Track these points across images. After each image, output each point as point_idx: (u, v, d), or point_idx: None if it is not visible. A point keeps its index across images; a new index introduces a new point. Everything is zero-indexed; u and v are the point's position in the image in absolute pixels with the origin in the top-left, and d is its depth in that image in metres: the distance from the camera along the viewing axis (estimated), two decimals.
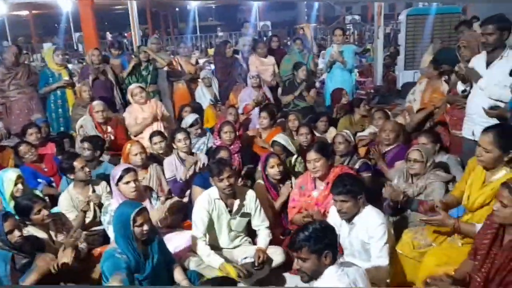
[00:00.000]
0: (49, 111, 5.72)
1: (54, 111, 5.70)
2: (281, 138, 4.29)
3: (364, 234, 2.73)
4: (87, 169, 3.69)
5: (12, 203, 3.26)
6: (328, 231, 2.22)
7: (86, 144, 4.23)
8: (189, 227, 3.54)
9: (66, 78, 5.71)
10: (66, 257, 2.66)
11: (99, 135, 4.68)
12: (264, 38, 12.43)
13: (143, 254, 2.70)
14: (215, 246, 3.27)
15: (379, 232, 2.68)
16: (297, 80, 5.67)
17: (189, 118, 4.83)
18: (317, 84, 7.95)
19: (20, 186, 3.48)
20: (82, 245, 3.09)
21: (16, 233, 2.59)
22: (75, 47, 17.33)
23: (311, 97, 5.69)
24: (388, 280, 2.75)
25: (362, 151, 4.66)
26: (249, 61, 6.44)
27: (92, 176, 3.81)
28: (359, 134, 4.89)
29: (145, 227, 2.64)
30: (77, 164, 3.63)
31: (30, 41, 17.50)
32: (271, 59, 6.44)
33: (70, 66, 7.68)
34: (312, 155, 3.38)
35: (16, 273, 2.58)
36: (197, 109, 5.79)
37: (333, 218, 2.87)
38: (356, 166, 3.95)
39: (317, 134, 4.82)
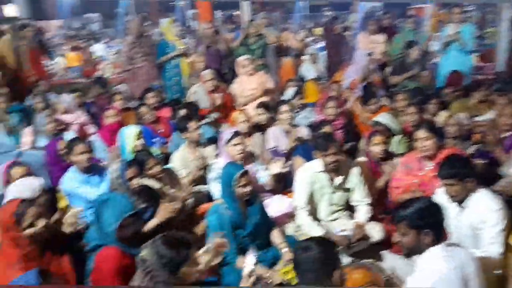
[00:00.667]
0: (165, 78, 6.16)
1: (169, 79, 6.13)
2: (383, 117, 4.17)
3: (476, 218, 2.55)
4: (198, 131, 3.94)
5: (130, 157, 3.63)
6: (433, 209, 2.11)
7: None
8: (290, 196, 3.63)
9: (181, 47, 6.09)
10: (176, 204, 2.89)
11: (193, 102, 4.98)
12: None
13: (244, 213, 2.86)
14: (313, 218, 3.32)
15: (494, 217, 2.49)
16: (409, 60, 5.42)
17: (292, 91, 4.94)
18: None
19: (140, 141, 3.85)
20: (190, 200, 3.33)
21: (136, 181, 2.88)
22: (188, 24, 18.27)
23: (426, 78, 5.42)
24: (498, 271, 2.57)
25: (477, 137, 4.35)
26: (358, 38, 6.29)
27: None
28: (475, 118, 4.57)
29: (247, 189, 2.78)
30: (191, 125, 3.90)
31: (150, 18, 18.77)
32: (381, 37, 6.22)
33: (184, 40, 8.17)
34: (421, 133, 3.25)
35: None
36: (300, 84, 5.85)
37: (439, 199, 2.75)
38: (470, 151, 3.70)
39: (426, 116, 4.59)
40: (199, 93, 5.09)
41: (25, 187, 2.71)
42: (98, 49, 11.66)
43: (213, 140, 4.23)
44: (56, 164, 3.75)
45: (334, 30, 6.25)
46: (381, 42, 6.22)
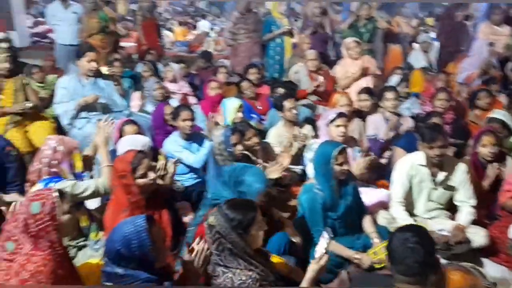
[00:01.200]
0: (268, 56, 6.19)
1: (271, 57, 6.15)
2: (500, 114, 3.80)
3: None
4: (294, 111, 3.91)
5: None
6: None
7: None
8: (383, 187, 3.48)
9: (287, 26, 6.07)
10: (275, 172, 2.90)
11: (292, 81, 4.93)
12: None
13: (337, 194, 2.77)
14: (409, 213, 3.15)
15: None
16: None
17: (397, 78, 4.71)
18: None
19: (240, 114, 3.94)
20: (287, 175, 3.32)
21: (239, 147, 2.94)
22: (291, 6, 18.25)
23: None
24: None
25: None
26: (479, 28, 5.77)
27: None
28: None
29: (345, 167, 2.69)
30: (287, 104, 3.89)
31: None
32: (507, 28, 5.64)
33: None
34: None
35: None
36: (407, 72, 5.55)
37: None
38: None
39: None
40: (301, 73, 5.05)
41: (137, 142, 2.91)
42: (203, 25, 12.11)
43: (310, 121, 4.19)
44: (161, 127, 3.98)
45: (454, 17, 5.77)
46: (506, 34, 5.64)
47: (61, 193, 1.99)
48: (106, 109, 3.95)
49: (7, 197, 3.29)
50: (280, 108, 3.96)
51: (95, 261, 2.56)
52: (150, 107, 4.63)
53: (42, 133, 3.99)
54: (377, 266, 2.61)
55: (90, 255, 2.76)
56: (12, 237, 1.88)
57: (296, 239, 2.68)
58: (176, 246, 2.59)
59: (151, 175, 2.46)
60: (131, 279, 1.78)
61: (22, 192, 3.44)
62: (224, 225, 1.92)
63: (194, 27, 11.10)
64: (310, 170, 3.38)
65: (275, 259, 2.33)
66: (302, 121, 4.15)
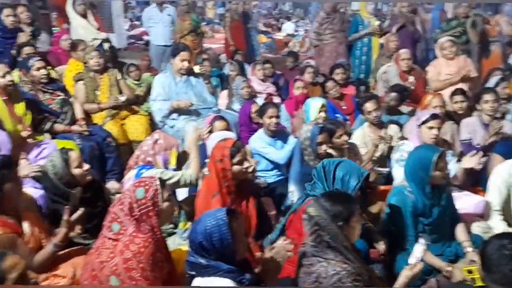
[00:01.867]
0: (354, 57, 6.08)
1: (358, 57, 6.04)
2: None
3: None
4: (375, 113, 3.79)
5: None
6: None
7: None
8: (478, 193, 3.27)
9: (376, 23, 5.91)
10: None
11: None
12: None
13: (430, 200, 2.65)
14: (507, 223, 2.91)
15: None
16: None
17: (495, 79, 4.38)
18: None
19: (323, 114, 3.91)
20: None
21: (324, 146, 2.93)
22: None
23: None
24: None
25: None
26: None
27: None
28: None
29: (444, 172, 2.57)
30: (368, 105, 3.79)
31: None
32: None
33: None
34: None
35: None
36: (508, 74, 5.12)
37: None
38: None
39: None
40: (390, 73, 4.88)
41: (228, 136, 3.02)
42: (288, 27, 12.22)
43: (395, 122, 4.05)
44: (246, 125, 4.08)
45: None
46: None
47: (162, 182, 2.13)
48: (197, 113, 4.14)
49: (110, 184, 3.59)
50: (362, 110, 3.90)
51: (184, 249, 2.70)
52: (236, 106, 4.76)
53: (137, 127, 4.29)
54: (468, 284, 2.45)
55: (178, 243, 2.92)
56: (118, 219, 2.04)
57: (380, 247, 2.60)
58: (260, 237, 2.64)
59: (246, 163, 2.58)
60: (213, 270, 1.84)
61: (119, 180, 3.74)
62: (323, 216, 1.91)
63: (279, 29, 11.23)
64: (397, 172, 3.26)
65: None
66: (388, 123, 4.02)
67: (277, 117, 3.65)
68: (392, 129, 3.87)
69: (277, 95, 5.60)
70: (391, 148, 3.63)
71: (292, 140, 3.64)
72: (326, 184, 2.47)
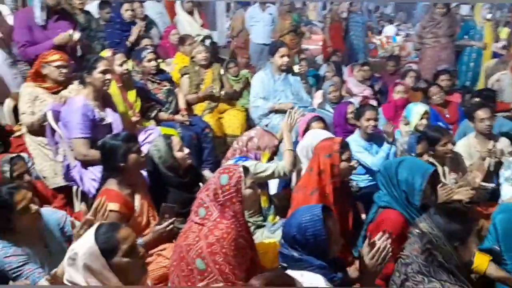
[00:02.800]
0: (461, 63, 5.72)
1: (465, 64, 5.67)
2: None
3: None
4: (488, 122, 3.50)
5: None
6: None
7: None
8: None
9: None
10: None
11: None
12: None
13: None
14: None
15: None
16: None
17: None
18: None
19: (424, 121, 3.72)
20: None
21: (425, 156, 2.81)
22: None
23: None
24: None
25: None
26: None
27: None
28: None
29: None
30: (480, 113, 3.52)
31: None
32: None
33: None
34: None
35: None
36: None
37: None
38: None
39: None
40: (504, 81, 4.50)
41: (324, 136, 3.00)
42: (389, 30, 11.80)
43: (507, 135, 3.72)
44: (341, 126, 4.02)
45: None
46: None
47: (246, 169, 2.18)
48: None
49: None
50: (471, 118, 3.62)
51: (272, 241, 2.73)
52: (328, 107, 4.72)
53: (234, 122, 4.43)
54: None
55: (266, 236, 2.95)
56: (204, 205, 2.12)
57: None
58: (354, 240, 2.59)
59: (351, 162, 2.59)
60: (305, 264, 1.83)
61: (213, 170, 3.89)
62: (438, 235, 1.80)
63: (380, 33, 10.90)
64: (506, 189, 3.00)
65: None
66: (499, 135, 3.71)
67: (375, 119, 3.55)
68: (503, 143, 3.56)
69: (373, 98, 5.45)
70: (498, 163, 3.35)
71: (386, 146, 3.51)
72: (391, 189, 2.36)
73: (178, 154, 2.81)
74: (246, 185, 2.12)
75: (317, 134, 3.00)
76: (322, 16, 10.83)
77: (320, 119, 3.45)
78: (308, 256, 1.84)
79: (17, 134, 3.42)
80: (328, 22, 7.26)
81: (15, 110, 3.50)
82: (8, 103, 3.56)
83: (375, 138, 3.64)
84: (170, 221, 2.48)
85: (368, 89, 5.46)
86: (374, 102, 5.29)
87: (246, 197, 2.13)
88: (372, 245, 1.93)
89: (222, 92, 4.42)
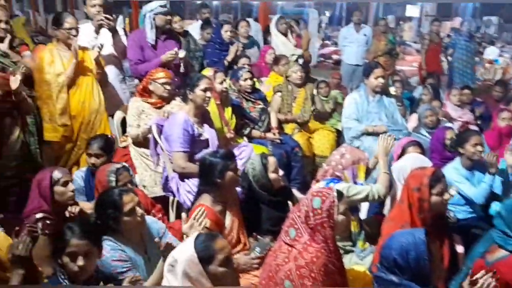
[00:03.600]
0: None
1: None
2: None
3: None
4: None
5: None
6: None
7: None
8: None
9: None
10: None
11: None
12: None
13: None
14: None
15: None
16: None
17: None
18: None
19: None
20: None
21: None
22: None
23: None
24: None
25: None
26: None
27: None
28: None
29: None
30: None
31: None
32: None
33: None
34: None
35: None
36: None
37: None
38: None
39: None
40: None
41: (425, 162, 2.87)
42: (491, 52, 11.09)
43: None
44: (439, 152, 3.80)
45: None
46: None
47: (339, 194, 2.14)
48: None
49: None
50: None
51: (362, 269, 2.65)
52: (423, 131, 4.50)
53: (323, 142, 4.43)
54: None
55: (355, 262, 2.87)
56: (295, 225, 2.11)
57: None
58: (449, 274, 2.42)
59: (446, 195, 2.40)
60: None
61: (300, 189, 3.89)
62: None
63: (480, 53, 10.29)
64: None
65: None
66: None
67: (482, 145, 3.31)
68: None
69: (474, 124, 5.12)
70: None
71: (489, 177, 3.25)
72: None
73: (272, 176, 2.85)
74: (339, 211, 2.08)
75: (414, 158, 2.88)
76: (419, 36, 10.50)
77: (417, 144, 3.31)
78: (408, 281, 1.76)
79: (123, 144, 3.72)
80: (426, 43, 6.99)
81: (123, 121, 3.81)
82: (118, 115, 3.89)
83: (477, 167, 3.39)
84: (259, 255, 2.52)
85: (469, 114, 5.13)
86: (475, 128, 4.98)
87: (339, 223, 2.09)
88: (473, 282, 1.81)
89: (305, 114, 4.42)
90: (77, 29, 3.49)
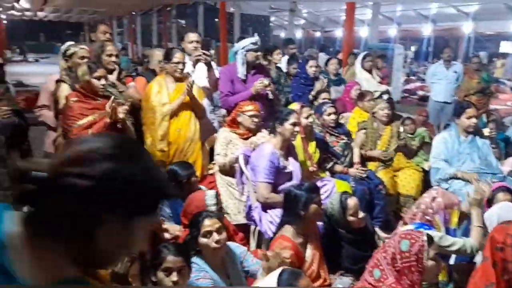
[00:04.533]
0: None
1: None
2: None
3: None
4: None
5: None
6: None
7: None
8: None
9: None
10: None
11: None
12: None
13: None
14: None
15: None
16: None
17: None
18: None
19: None
20: None
21: None
22: None
23: None
24: None
25: None
26: None
27: None
28: None
29: None
30: None
31: None
32: None
33: None
34: None
35: None
36: None
37: None
38: None
39: None
40: None
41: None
42: None
43: None
44: None
45: None
46: None
47: (430, 239, 2.06)
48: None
49: None
50: None
51: None
52: None
53: (409, 181, 4.26)
54: None
55: None
56: (380, 266, 2.07)
57: None
58: None
59: None
60: None
61: (383, 228, 3.78)
62: None
63: None
64: None
65: None
66: None
67: None
68: None
69: None
70: None
71: None
72: None
73: (351, 218, 2.84)
74: (428, 255, 2.01)
75: (504, 208, 2.68)
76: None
77: (508, 190, 3.10)
78: None
79: (211, 172, 3.89)
80: None
81: (211, 149, 4.00)
82: (206, 144, 4.09)
83: None
84: None
85: None
86: None
87: (428, 269, 2.02)
88: None
89: (390, 152, 4.32)
90: (184, 64, 3.78)
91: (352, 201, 2.90)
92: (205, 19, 16.44)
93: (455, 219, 2.90)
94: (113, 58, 3.80)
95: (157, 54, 4.62)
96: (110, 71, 3.76)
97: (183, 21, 19.32)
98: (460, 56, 17.66)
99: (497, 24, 14.75)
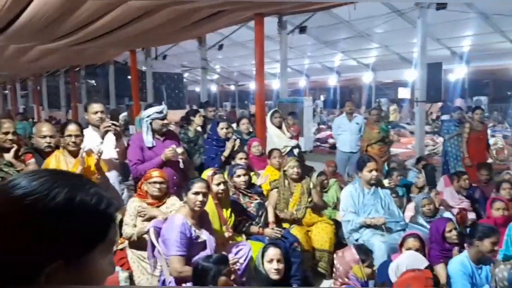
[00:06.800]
0: None
1: None
2: None
3: None
4: None
5: None
6: None
7: None
8: None
9: None
10: None
11: None
12: None
13: None
14: None
15: None
16: None
17: None
18: None
19: None
20: None
21: None
22: None
23: None
24: None
25: None
26: None
27: None
28: None
29: None
30: None
31: None
32: None
33: None
34: None
35: None
36: None
37: None
38: None
39: None
40: None
41: (419, 261, 2.85)
42: None
43: None
44: (439, 243, 3.78)
45: None
46: None
47: None
48: (388, 230, 4.05)
49: None
50: None
51: None
52: (421, 220, 4.50)
53: (322, 235, 4.38)
54: None
55: None
56: None
57: None
58: None
59: None
60: None
61: (301, 285, 3.81)
62: None
63: None
64: None
65: None
66: None
67: (498, 243, 3.27)
68: None
69: (471, 210, 5.13)
70: None
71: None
72: None
73: (268, 266, 2.85)
74: None
75: (409, 259, 2.86)
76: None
77: (417, 237, 3.32)
78: None
79: (120, 247, 3.70)
80: (467, 131, 6.66)
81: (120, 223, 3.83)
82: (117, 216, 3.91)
83: (484, 261, 3.34)
84: None
85: (466, 202, 5.16)
86: (472, 215, 5.00)
87: None
88: None
89: (299, 212, 4.44)
90: (78, 136, 3.58)
91: (273, 251, 2.97)
92: (116, 77, 16.24)
93: (359, 274, 2.99)
94: (10, 136, 3.57)
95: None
96: (7, 150, 3.52)
97: (93, 81, 18.92)
98: (364, 103, 19.12)
99: (394, 73, 16.34)
